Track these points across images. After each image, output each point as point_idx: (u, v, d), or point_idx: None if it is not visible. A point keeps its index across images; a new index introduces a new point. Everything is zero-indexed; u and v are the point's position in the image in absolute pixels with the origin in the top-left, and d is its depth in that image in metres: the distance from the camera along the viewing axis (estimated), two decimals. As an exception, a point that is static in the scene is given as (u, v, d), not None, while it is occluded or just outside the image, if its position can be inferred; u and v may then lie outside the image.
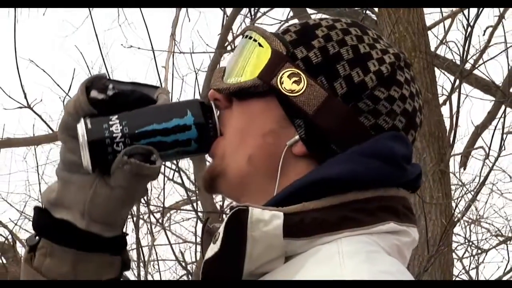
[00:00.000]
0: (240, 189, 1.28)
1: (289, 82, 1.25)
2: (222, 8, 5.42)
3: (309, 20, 1.32)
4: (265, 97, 1.26)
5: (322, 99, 1.24)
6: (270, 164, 1.25)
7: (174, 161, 5.58)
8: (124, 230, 1.31)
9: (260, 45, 1.29)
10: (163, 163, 1.31)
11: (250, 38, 1.31)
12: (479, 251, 6.08)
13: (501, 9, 6.42)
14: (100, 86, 1.27)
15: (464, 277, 5.68)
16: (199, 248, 5.41)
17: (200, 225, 5.44)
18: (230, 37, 5.92)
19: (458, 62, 5.62)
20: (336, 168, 1.20)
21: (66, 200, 1.27)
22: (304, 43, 1.27)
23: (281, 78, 1.25)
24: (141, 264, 5.20)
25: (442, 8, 6.03)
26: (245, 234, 1.15)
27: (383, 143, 1.23)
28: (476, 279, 5.60)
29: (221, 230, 1.16)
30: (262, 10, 5.71)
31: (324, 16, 6.49)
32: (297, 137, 1.24)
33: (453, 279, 5.19)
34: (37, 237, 1.29)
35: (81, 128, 1.24)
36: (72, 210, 1.27)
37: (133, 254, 6.15)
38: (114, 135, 1.24)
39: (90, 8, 5.14)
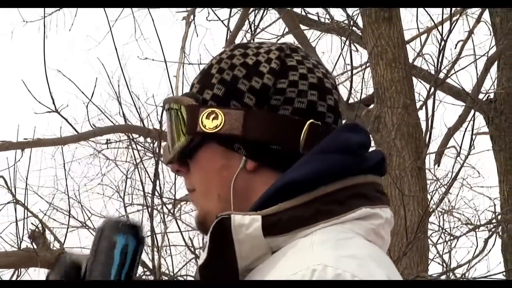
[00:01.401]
0: None
1: (209, 122, 1.26)
2: (226, 25, 5.42)
3: (205, 64, 1.33)
4: (204, 144, 1.28)
5: (241, 118, 1.25)
6: (236, 190, 1.26)
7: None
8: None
9: (176, 109, 1.30)
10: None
11: (169, 109, 1.32)
12: (451, 238, 6.07)
13: (471, 25, 6.42)
14: None
15: (438, 260, 5.68)
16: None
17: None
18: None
19: (433, 72, 5.62)
20: (303, 169, 1.20)
21: None
22: (207, 86, 1.29)
23: (202, 122, 1.26)
24: (155, 249, 5.19)
25: (418, 25, 6.03)
26: (231, 238, 1.17)
27: (339, 137, 1.23)
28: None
29: (207, 238, 1.18)
30: (261, 26, 5.71)
31: (315, 31, 6.49)
32: (243, 158, 1.25)
33: (428, 262, 5.19)
34: None
35: None
36: None
37: (148, 241, 6.15)
38: None
39: (111, 25, 5.14)
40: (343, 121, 1.32)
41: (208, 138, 1.27)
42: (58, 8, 6.58)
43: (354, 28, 5.74)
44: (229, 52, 1.31)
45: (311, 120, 1.24)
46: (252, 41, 1.32)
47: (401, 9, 5.28)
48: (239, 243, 1.17)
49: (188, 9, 6.46)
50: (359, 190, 1.22)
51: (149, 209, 5.16)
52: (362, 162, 1.23)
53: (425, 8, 5.46)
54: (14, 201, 5.54)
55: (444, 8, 5.19)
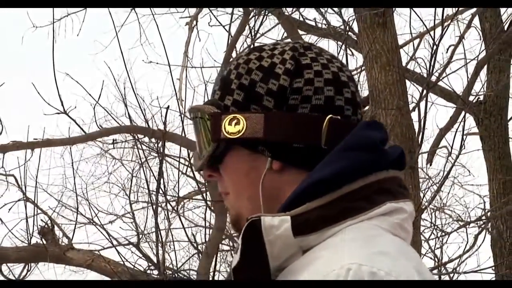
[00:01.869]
0: None
1: (232, 128, 1.25)
2: (227, 30, 5.42)
3: (224, 70, 1.32)
4: (230, 149, 1.27)
5: (262, 120, 1.23)
6: (265, 190, 1.25)
7: (187, 158, 5.59)
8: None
9: (201, 117, 1.29)
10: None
11: (194, 117, 1.31)
12: (443, 234, 6.08)
13: (462, 30, 6.42)
14: None
15: (431, 255, 5.68)
16: (208, 231, 5.41)
17: (209, 212, 5.44)
18: (234, 54, 5.91)
19: (425, 75, 5.62)
20: (328, 169, 1.18)
21: None
22: (227, 92, 1.28)
23: (224, 129, 1.25)
24: (159, 245, 5.19)
25: (411, 30, 6.03)
26: (262, 239, 1.15)
27: (361, 134, 1.21)
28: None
29: (239, 241, 1.17)
30: (261, 31, 5.71)
31: (312, 36, 6.49)
32: (268, 159, 1.24)
33: (421, 257, 5.19)
34: None
35: None
36: None
37: (152, 236, 6.14)
38: None
39: (117, 30, 5.14)
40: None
41: (233, 143, 1.26)
42: (66, 14, 6.59)
43: (349, 33, 5.74)
44: (245, 57, 1.29)
45: (330, 115, 1.23)
46: (267, 44, 1.30)
47: (394, 15, 5.28)
48: (270, 243, 1.15)
49: (191, 15, 6.46)
50: (383, 186, 1.20)
51: (154, 206, 5.17)
52: (384, 158, 1.22)
53: (418, 14, 5.46)
54: (25, 198, 5.54)
55: (436, 14, 5.19)
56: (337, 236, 1.15)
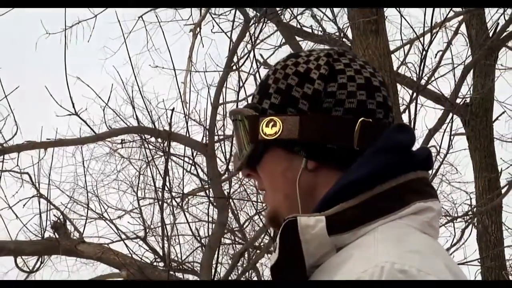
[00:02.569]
0: None
1: (269, 130, 1.25)
2: (229, 36, 5.43)
3: (263, 76, 1.32)
4: (267, 150, 1.27)
5: (298, 123, 1.23)
6: (301, 188, 1.25)
7: (191, 157, 5.60)
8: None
9: (241, 120, 1.30)
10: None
11: (234, 120, 1.32)
12: (432, 228, 6.07)
13: (450, 37, 6.42)
14: None
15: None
16: (210, 225, 5.42)
17: (211, 208, 5.45)
18: (235, 59, 5.92)
19: (415, 79, 5.63)
20: (360, 171, 1.18)
21: None
22: (265, 96, 1.28)
23: (262, 131, 1.26)
24: (165, 239, 5.20)
25: (402, 36, 6.04)
26: (298, 238, 1.15)
27: (390, 138, 1.21)
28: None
29: (277, 240, 1.17)
30: (261, 37, 5.72)
31: (309, 42, 6.50)
32: (304, 159, 1.24)
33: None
34: None
35: None
36: None
37: (158, 231, 6.15)
38: None
39: (125, 37, 5.16)
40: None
41: (270, 144, 1.26)
42: (77, 22, 6.60)
43: (344, 39, 5.75)
44: (282, 63, 1.29)
45: (362, 118, 1.22)
46: (303, 50, 1.30)
47: (386, 22, 5.29)
48: (306, 242, 1.15)
49: (195, 22, 6.47)
50: (412, 186, 1.19)
51: (160, 202, 5.18)
52: (412, 160, 1.21)
53: (408, 21, 5.48)
54: (38, 195, 5.56)
55: (425, 21, 5.20)
56: (369, 235, 1.15)
